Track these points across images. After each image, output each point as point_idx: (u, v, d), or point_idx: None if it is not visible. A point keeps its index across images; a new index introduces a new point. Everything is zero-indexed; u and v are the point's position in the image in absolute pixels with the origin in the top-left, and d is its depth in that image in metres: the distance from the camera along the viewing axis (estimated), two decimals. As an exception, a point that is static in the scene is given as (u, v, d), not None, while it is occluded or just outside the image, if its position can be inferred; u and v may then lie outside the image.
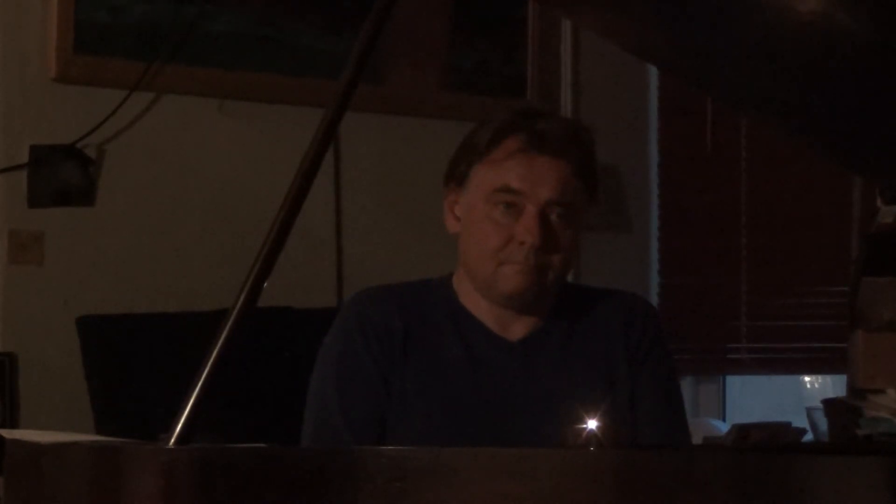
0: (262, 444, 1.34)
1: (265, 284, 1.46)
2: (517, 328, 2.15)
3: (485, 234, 2.08)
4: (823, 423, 3.45)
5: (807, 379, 4.36)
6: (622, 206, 4.16)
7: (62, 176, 3.22)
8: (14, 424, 3.11)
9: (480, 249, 2.09)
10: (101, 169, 3.28)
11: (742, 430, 3.50)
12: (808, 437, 3.56)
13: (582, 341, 2.16)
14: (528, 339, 2.15)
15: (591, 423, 1.63)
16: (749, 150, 4.15)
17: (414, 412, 2.09)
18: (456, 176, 2.14)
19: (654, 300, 4.16)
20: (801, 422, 3.62)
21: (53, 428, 1.57)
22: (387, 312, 2.13)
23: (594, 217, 4.06)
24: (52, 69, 3.20)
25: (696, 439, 3.68)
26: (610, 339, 2.17)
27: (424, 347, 2.12)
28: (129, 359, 3.06)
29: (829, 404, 3.41)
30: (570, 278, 3.93)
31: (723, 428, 3.84)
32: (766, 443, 3.38)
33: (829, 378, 4.23)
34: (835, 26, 1.56)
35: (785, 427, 3.54)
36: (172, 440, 1.34)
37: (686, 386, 4.24)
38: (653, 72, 4.21)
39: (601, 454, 1.41)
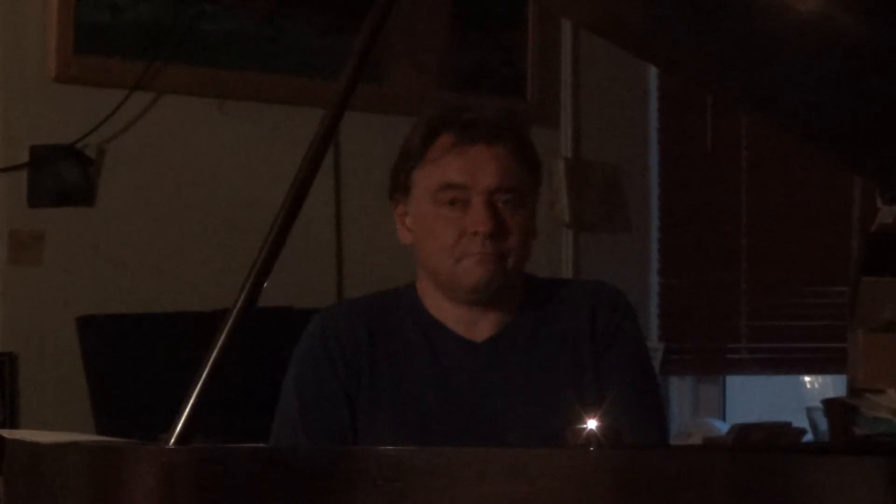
0: (262, 444, 1.34)
1: (265, 284, 1.46)
2: (484, 328, 2.13)
3: (438, 233, 2.07)
4: (823, 423, 3.45)
5: (807, 379, 4.36)
6: (622, 206, 4.16)
7: (62, 176, 3.22)
8: (14, 424, 3.11)
9: (436, 249, 2.08)
10: (101, 169, 3.28)
11: (742, 430, 3.50)
12: (808, 437, 3.56)
13: (548, 336, 2.14)
14: (494, 338, 2.13)
15: (591, 423, 1.63)
16: (749, 149, 4.15)
17: (384, 421, 2.08)
18: (399, 187, 2.14)
19: (654, 300, 4.16)
20: (801, 422, 3.62)
21: (53, 428, 1.57)
22: (351, 327, 2.13)
23: (594, 216, 4.07)
24: (52, 69, 3.20)
25: (696, 439, 3.68)
26: (576, 331, 2.14)
27: (391, 358, 2.12)
28: (129, 359, 3.06)
29: (829, 404, 3.41)
30: (569, 277, 3.94)
31: (723, 428, 3.84)
32: (766, 443, 3.38)
33: (829, 378, 4.23)
34: (835, 26, 1.56)
35: (785, 427, 3.54)
36: (172, 440, 1.34)
37: (686, 386, 4.24)
38: (653, 72, 4.21)
39: (601, 454, 1.41)
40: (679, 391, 4.21)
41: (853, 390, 3.33)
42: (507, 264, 2.08)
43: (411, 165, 2.11)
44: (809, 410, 3.61)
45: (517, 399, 2.08)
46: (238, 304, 1.43)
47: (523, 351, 2.13)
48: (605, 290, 2.21)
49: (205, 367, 1.39)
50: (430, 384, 2.11)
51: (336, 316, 2.17)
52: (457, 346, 2.13)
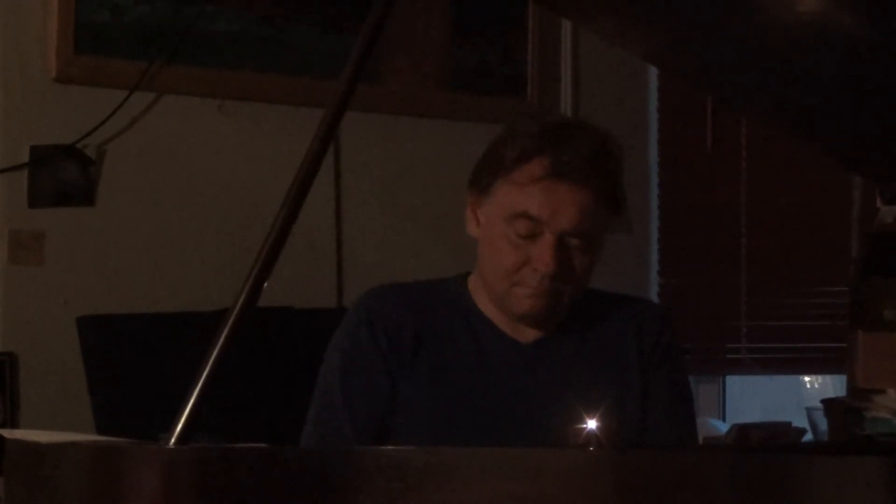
0: (262, 444, 1.34)
1: (265, 284, 1.46)
2: (530, 330, 2.15)
3: (501, 254, 2.07)
4: (823, 423, 3.45)
5: (807, 379, 4.36)
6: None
7: (62, 176, 3.22)
8: (14, 424, 3.11)
9: (495, 267, 2.09)
10: (101, 169, 3.28)
11: (742, 430, 3.50)
12: (808, 437, 3.56)
13: (594, 346, 2.16)
14: (540, 341, 2.14)
15: (591, 423, 1.63)
16: (749, 149, 4.15)
17: (422, 411, 2.09)
18: (480, 184, 2.11)
19: (654, 300, 4.16)
20: (801, 422, 3.62)
21: (53, 428, 1.56)
22: (398, 310, 2.13)
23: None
24: (52, 69, 3.20)
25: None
26: (622, 345, 2.16)
27: (435, 347, 2.12)
28: (129, 359, 3.06)
29: (829, 404, 3.41)
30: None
31: (723, 428, 3.84)
32: (766, 443, 3.38)
33: (829, 378, 4.23)
34: (835, 26, 1.56)
35: (785, 427, 3.54)
36: (172, 440, 1.34)
37: (686, 386, 4.24)
38: (653, 72, 4.21)
39: (601, 454, 1.41)
40: (679, 391, 4.21)
41: (853, 390, 3.33)
42: (560, 301, 2.09)
43: (498, 172, 2.08)
44: (809, 410, 3.61)
45: (556, 403, 2.07)
46: (238, 304, 1.43)
47: (567, 357, 2.15)
48: (653, 309, 2.29)
49: (205, 367, 1.39)
50: (472, 378, 2.11)
51: (382, 299, 2.16)
52: (502, 343, 2.14)
